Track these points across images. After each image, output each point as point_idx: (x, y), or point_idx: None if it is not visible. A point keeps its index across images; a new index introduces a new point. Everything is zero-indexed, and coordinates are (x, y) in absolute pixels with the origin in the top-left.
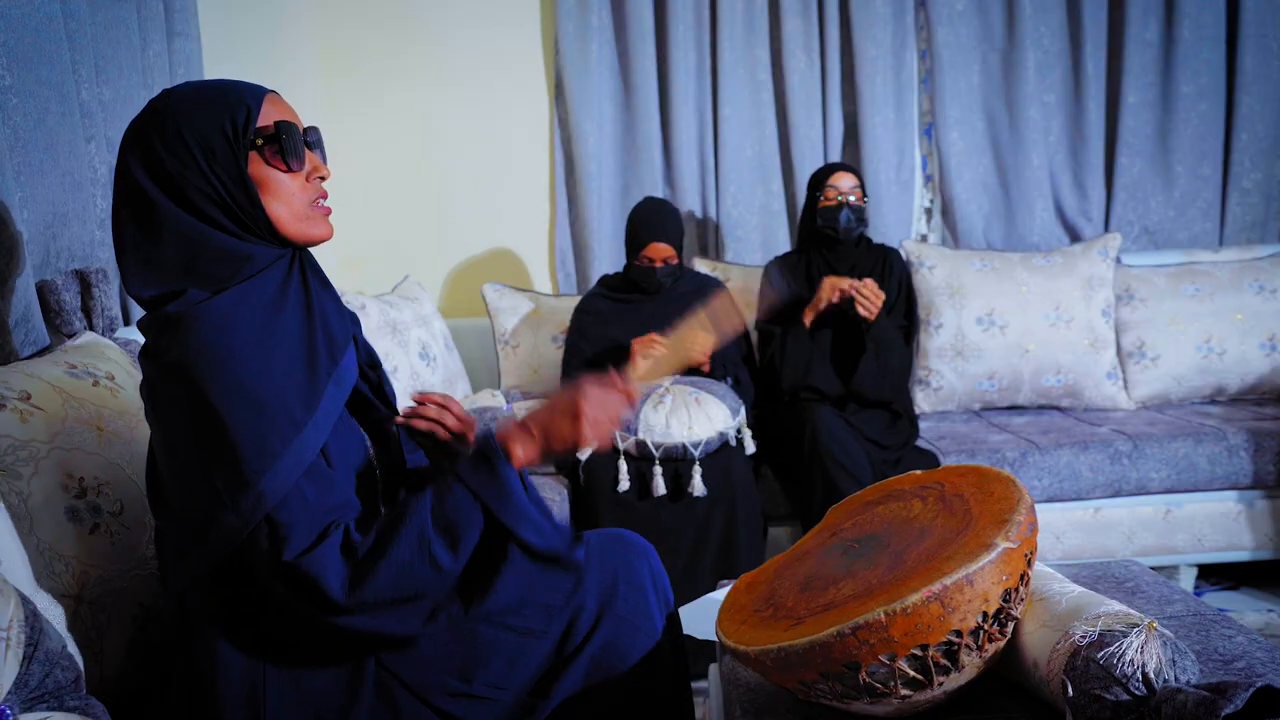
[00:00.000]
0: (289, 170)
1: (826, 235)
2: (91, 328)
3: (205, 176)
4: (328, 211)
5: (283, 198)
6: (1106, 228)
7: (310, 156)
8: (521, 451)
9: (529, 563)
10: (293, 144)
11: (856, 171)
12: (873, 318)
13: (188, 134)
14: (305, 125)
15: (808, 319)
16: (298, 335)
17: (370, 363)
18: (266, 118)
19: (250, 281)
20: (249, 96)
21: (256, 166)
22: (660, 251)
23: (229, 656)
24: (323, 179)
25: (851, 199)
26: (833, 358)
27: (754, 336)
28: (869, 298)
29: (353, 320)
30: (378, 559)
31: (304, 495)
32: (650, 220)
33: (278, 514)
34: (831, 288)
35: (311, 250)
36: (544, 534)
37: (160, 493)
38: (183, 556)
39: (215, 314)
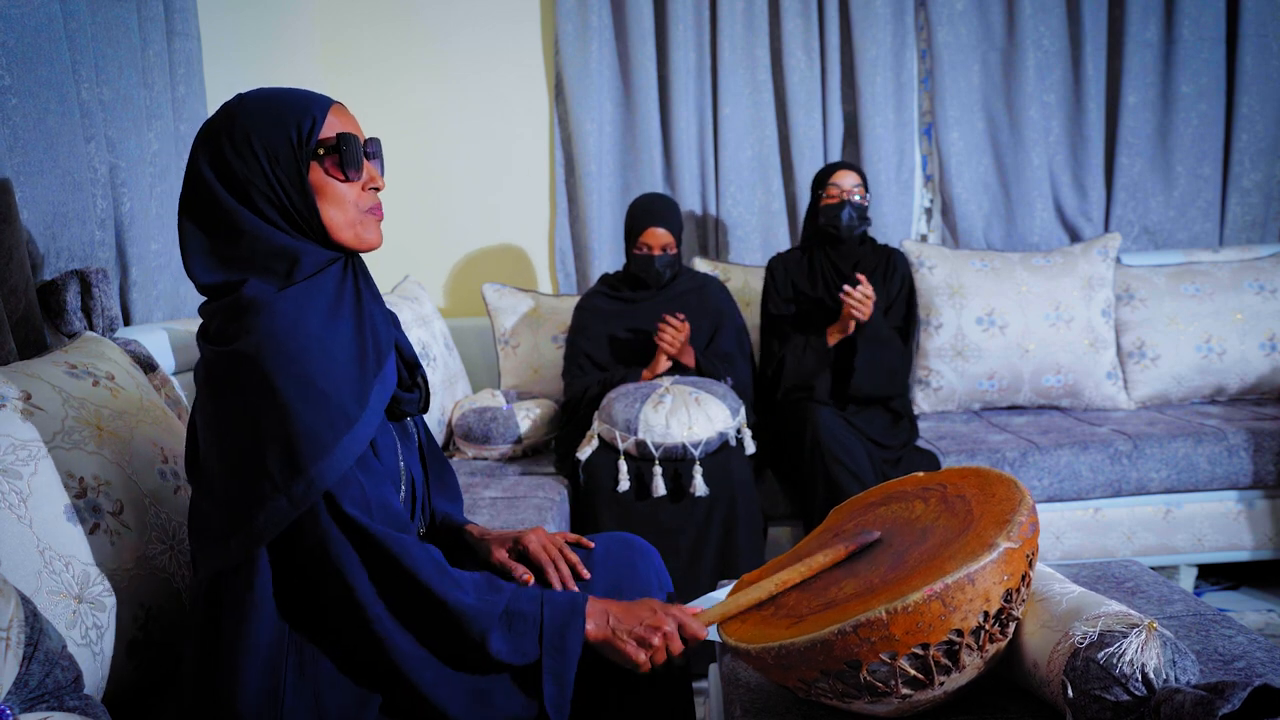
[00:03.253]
0: (346, 180)
1: (829, 233)
2: (91, 328)
3: (268, 179)
4: (379, 218)
5: (338, 204)
6: (1106, 228)
7: (368, 167)
8: (594, 627)
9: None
10: (352, 155)
11: (859, 170)
12: (863, 317)
13: (255, 139)
14: (366, 137)
15: (832, 341)
16: (351, 336)
17: (409, 362)
18: (330, 128)
19: (311, 281)
20: (315, 106)
21: (316, 174)
22: (658, 238)
23: (256, 644)
24: (377, 189)
25: (854, 197)
26: (834, 360)
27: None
28: (858, 301)
29: (393, 321)
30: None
31: (360, 482)
32: (648, 207)
33: (334, 492)
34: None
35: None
36: (564, 700)
37: (205, 475)
38: (225, 540)
39: (287, 306)
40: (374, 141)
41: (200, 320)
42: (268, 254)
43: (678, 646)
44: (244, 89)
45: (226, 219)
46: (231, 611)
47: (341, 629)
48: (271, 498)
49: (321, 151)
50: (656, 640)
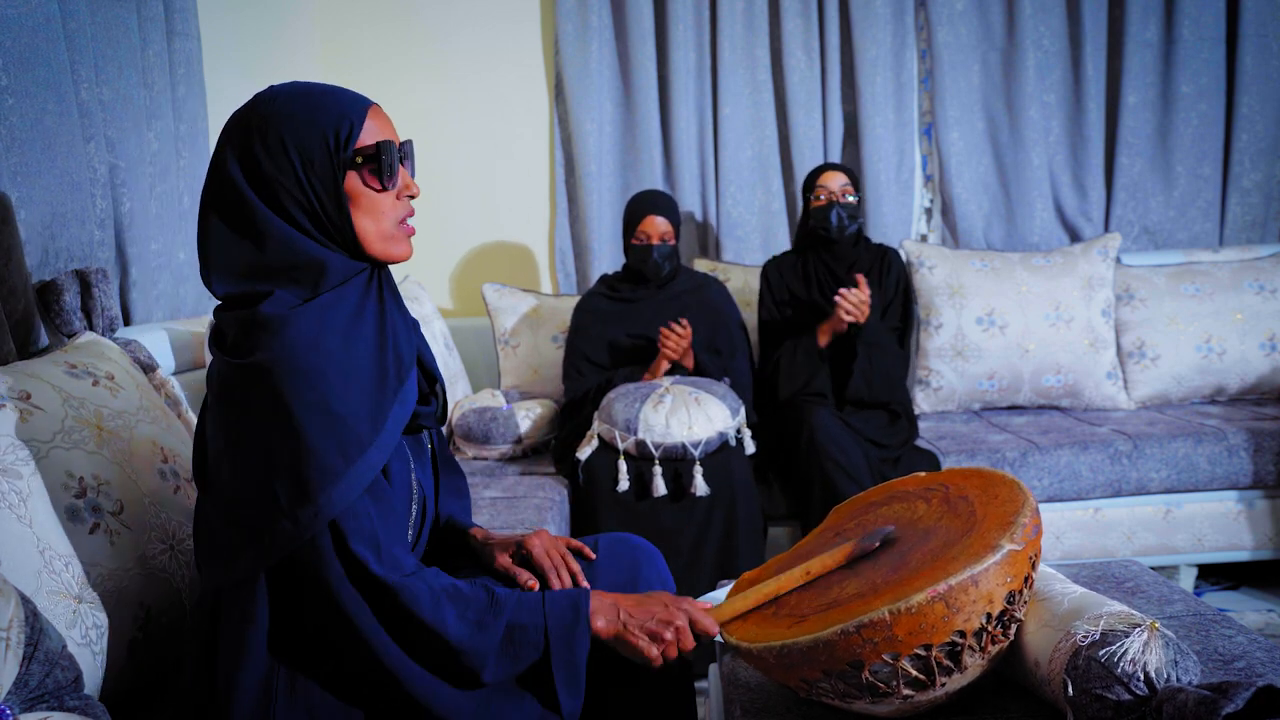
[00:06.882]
0: (383, 189)
1: (821, 236)
2: (91, 328)
3: (300, 184)
4: (411, 232)
5: (373, 214)
6: (1106, 228)
7: (402, 174)
8: (604, 623)
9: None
10: (390, 163)
11: (848, 170)
12: (859, 320)
13: (289, 140)
14: (401, 140)
15: (823, 339)
16: (371, 352)
17: (429, 374)
18: (368, 135)
19: (333, 293)
20: (353, 110)
21: (352, 182)
22: (657, 227)
23: (252, 658)
24: (412, 197)
25: (843, 199)
26: (831, 363)
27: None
28: (853, 305)
29: (415, 328)
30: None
31: (369, 513)
32: (647, 198)
33: (341, 523)
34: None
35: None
36: (575, 697)
37: (213, 486)
38: (236, 556)
39: (307, 322)
40: (408, 144)
41: (213, 321)
42: (293, 264)
43: (689, 642)
44: (244, 89)
45: (253, 222)
46: (229, 628)
47: (344, 656)
48: (278, 522)
49: (360, 160)
50: (669, 635)
